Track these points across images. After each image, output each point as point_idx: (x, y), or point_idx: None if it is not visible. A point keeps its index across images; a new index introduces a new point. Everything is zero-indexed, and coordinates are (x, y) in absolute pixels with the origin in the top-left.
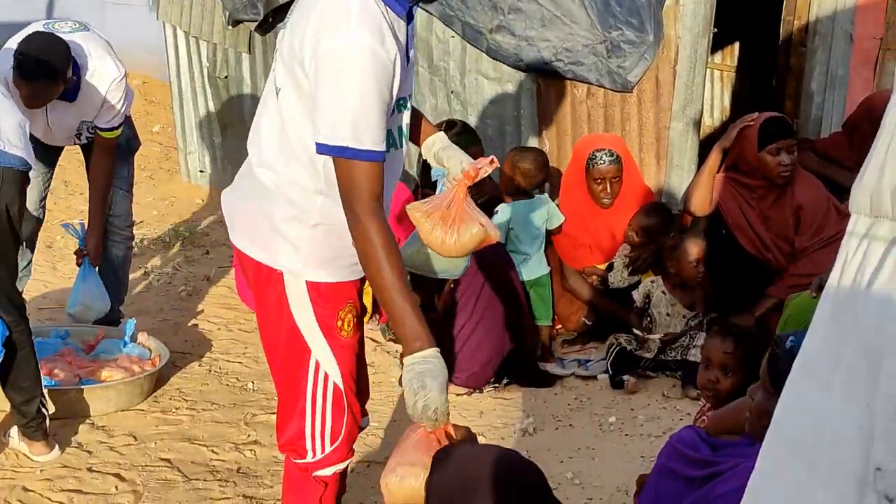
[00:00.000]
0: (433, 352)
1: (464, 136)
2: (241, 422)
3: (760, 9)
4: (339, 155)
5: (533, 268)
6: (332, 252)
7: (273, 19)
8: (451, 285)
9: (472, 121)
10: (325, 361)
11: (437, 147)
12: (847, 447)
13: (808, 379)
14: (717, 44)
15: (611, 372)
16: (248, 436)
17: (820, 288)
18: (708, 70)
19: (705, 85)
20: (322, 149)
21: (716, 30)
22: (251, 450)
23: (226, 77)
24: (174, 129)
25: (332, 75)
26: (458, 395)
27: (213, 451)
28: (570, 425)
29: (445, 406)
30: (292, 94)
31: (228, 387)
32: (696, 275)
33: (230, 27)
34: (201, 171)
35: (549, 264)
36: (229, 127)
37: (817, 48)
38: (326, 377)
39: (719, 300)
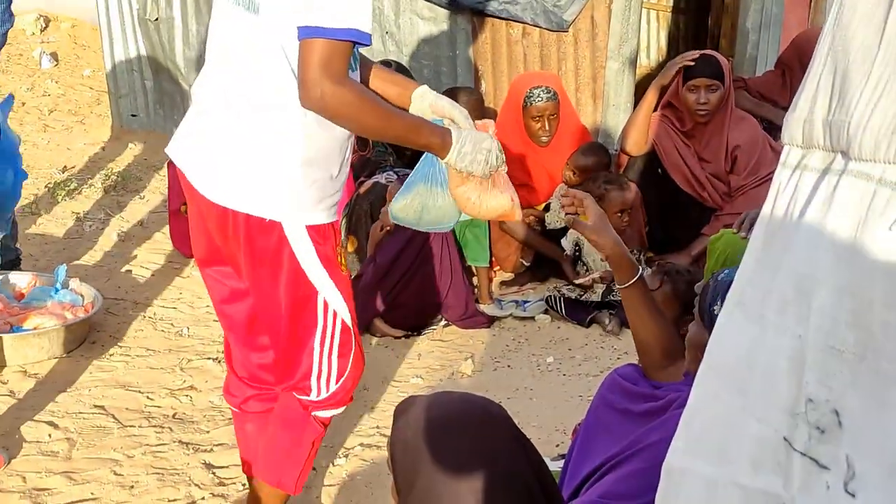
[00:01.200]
0: (449, 133)
1: None
2: (176, 367)
3: None
4: (336, 37)
5: None
6: (321, 191)
7: None
8: (387, 229)
9: (407, 62)
10: (332, 299)
11: (429, 98)
12: (779, 378)
13: (739, 310)
14: None
15: (565, 317)
16: (184, 381)
17: (743, 225)
18: (644, 10)
19: (641, 24)
20: (319, 31)
21: None
22: (187, 395)
23: (156, 19)
24: (105, 72)
25: None
26: (396, 337)
27: (148, 397)
28: (509, 366)
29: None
30: (282, 4)
31: (163, 332)
32: (619, 224)
33: None
34: (133, 115)
35: None
36: (161, 70)
37: None
38: (335, 315)
39: (657, 240)
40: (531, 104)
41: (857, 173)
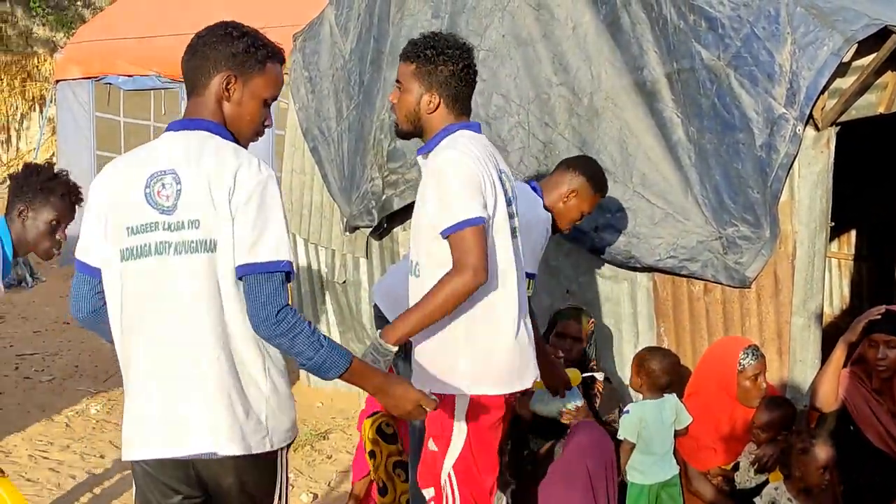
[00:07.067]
0: None
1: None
2: None
3: (876, 198)
4: None
5: (664, 468)
6: None
7: (387, 225)
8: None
9: None
10: None
11: None
12: None
13: None
14: (834, 232)
15: None
16: None
17: None
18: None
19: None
20: None
21: (833, 223)
22: None
23: (344, 282)
24: None
25: None
26: None
27: None
28: None
29: None
30: None
31: None
32: (821, 482)
33: (347, 233)
34: None
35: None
36: (348, 331)
37: None
38: None
39: (851, 499)
40: (746, 366)
41: None
